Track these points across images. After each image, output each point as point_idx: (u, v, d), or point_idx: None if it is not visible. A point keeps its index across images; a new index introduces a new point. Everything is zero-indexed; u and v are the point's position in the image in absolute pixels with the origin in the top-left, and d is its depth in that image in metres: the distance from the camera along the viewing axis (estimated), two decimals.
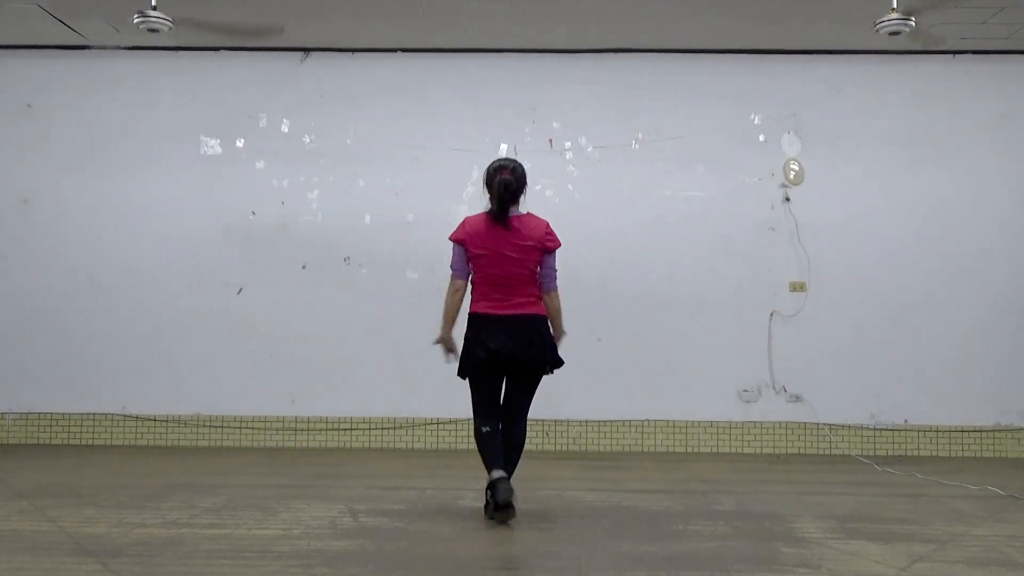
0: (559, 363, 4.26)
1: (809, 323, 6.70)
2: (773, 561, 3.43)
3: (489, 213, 4.17)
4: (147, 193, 6.88)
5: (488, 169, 4.22)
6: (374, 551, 3.56)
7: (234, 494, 4.73)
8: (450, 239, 4.23)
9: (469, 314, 4.20)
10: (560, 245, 4.25)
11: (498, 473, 4.00)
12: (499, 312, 4.12)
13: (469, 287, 4.25)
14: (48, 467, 5.74)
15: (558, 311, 4.30)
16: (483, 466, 4.11)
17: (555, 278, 4.27)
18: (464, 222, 4.24)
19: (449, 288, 4.22)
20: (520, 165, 4.24)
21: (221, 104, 6.93)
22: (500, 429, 4.17)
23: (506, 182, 4.12)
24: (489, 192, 4.18)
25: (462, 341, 4.24)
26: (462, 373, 4.23)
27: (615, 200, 6.81)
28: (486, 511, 4.14)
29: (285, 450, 6.64)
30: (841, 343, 6.69)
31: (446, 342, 4.29)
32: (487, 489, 4.05)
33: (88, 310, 6.82)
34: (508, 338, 4.09)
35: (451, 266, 4.23)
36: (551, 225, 4.28)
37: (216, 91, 6.95)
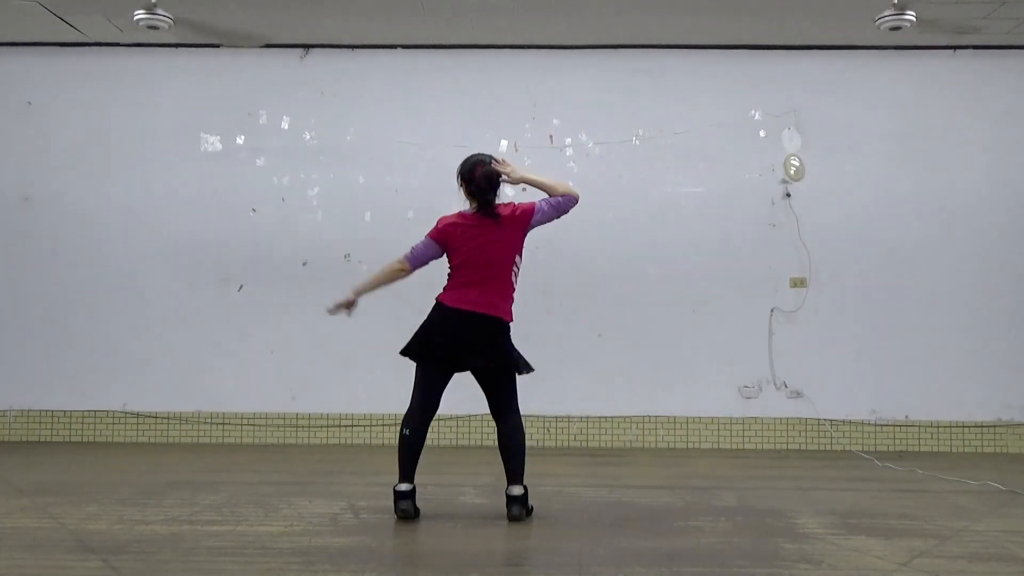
0: (529, 368, 4.17)
1: (810, 319, 6.70)
2: (774, 557, 3.43)
3: (478, 210, 4.10)
4: (147, 190, 6.87)
5: (464, 166, 4.13)
6: (376, 547, 3.57)
7: (235, 491, 4.74)
8: (428, 235, 4.14)
9: (439, 301, 4.11)
10: (532, 204, 4.13)
11: (404, 487, 4.01)
12: (469, 308, 4.02)
13: (417, 272, 4.16)
14: (49, 464, 5.75)
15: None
16: (399, 466, 4.06)
17: (559, 201, 4.14)
18: (442, 221, 4.15)
19: (394, 262, 4.12)
20: (493, 157, 4.19)
21: (221, 101, 6.92)
22: (424, 435, 4.08)
23: (490, 173, 4.08)
24: (469, 187, 4.10)
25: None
26: (410, 353, 4.09)
27: (615, 196, 6.80)
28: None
29: (286, 447, 6.64)
30: (842, 339, 6.69)
31: (349, 301, 4.19)
32: (396, 499, 4.02)
33: (89, 307, 6.82)
34: (469, 335, 4.01)
35: (412, 249, 4.14)
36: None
37: (216, 88, 6.94)
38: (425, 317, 4.12)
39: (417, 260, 4.14)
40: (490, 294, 4.06)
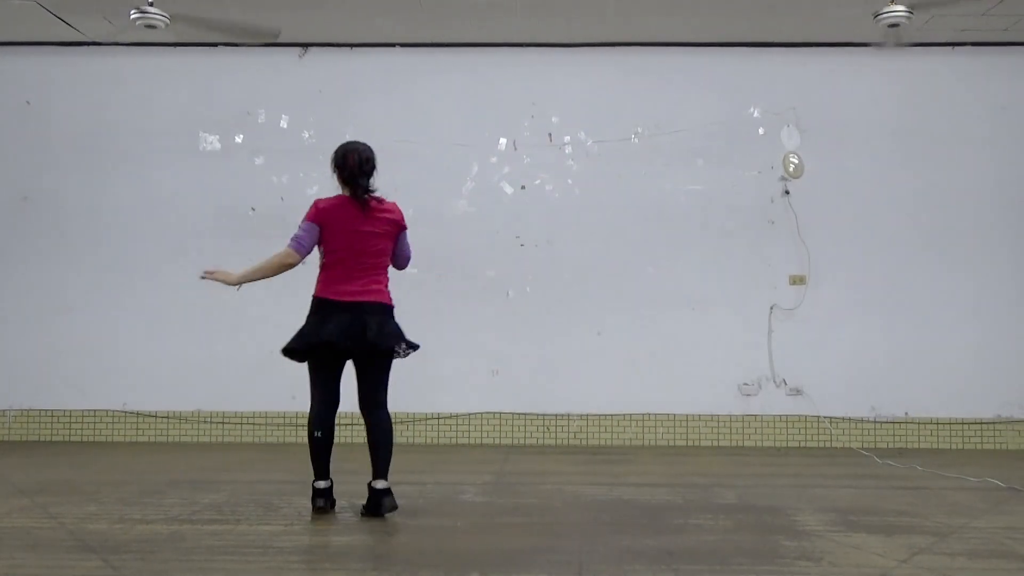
0: (415, 346, 4.12)
1: (809, 316, 6.70)
2: (774, 554, 3.43)
3: (351, 196, 4.10)
4: (146, 189, 6.88)
5: (338, 152, 4.16)
6: (376, 546, 3.57)
7: (236, 490, 4.74)
8: (306, 219, 4.07)
9: (315, 298, 4.09)
10: (404, 224, 4.23)
11: (323, 483, 4.05)
12: (347, 299, 4.00)
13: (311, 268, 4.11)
14: (49, 464, 5.74)
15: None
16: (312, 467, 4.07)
17: (406, 256, 4.30)
18: (317, 204, 4.11)
19: (282, 254, 4.05)
20: (368, 146, 4.21)
21: (220, 100, 6.92)
22: (333, 431, 4.10)
23: (364, 158, 4.11)
24: (342, 173, 4.12)
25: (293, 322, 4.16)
26: (292, 353, 4.11)
27: (615, 194, 6.81)
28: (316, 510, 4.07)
29: (286, 446, 6.64)
30: (841, 336, 6.70)
31: (227, 278, 4.20)
32: (313, 495, 4.05)
33: (88, 307, 6.82)
34: (351, 324, 3.97)
35: (295, 238, 4.05)
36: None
37: (215, 87, 6.94)
38: (308, 315, 4.08)
39: (304, 247, 4.04)
40: (366, 282, 4.05)
